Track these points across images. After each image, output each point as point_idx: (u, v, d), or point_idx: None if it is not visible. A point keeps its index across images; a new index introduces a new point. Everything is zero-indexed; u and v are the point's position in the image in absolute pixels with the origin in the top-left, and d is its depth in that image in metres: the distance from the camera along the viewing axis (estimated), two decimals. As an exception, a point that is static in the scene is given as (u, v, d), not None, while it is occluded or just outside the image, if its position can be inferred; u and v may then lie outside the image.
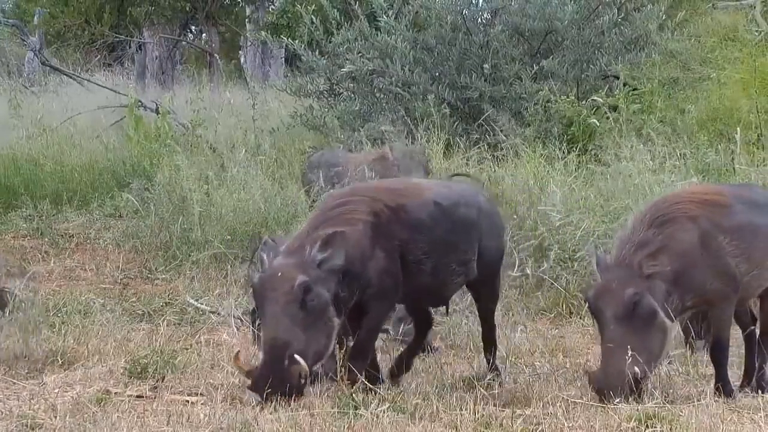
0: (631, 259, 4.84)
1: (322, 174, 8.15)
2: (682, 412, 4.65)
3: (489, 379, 5.15)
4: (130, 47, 23.66)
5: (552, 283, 6.99)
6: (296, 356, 4.64)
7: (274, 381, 4.64)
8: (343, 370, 4.89)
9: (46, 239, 8.92)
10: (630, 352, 4.67)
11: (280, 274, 4.75)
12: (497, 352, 5.54)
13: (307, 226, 4.98)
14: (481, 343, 5.65)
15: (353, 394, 4.74)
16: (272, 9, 22.27)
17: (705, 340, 5.77)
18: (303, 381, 4.69)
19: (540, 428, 4.52)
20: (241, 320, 6.60)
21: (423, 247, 5.04)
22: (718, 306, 5.02)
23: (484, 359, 5.49)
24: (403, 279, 5.03)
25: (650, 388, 5.05)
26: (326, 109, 11.32)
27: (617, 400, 4.67)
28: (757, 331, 5.26)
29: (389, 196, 5.07)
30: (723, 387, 5.03)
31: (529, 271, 7.07)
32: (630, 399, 4.68)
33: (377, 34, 10.91)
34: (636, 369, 4.69)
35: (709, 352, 5.24)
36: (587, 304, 4.99)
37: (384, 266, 4.93)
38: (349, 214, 4.93)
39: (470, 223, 5.25)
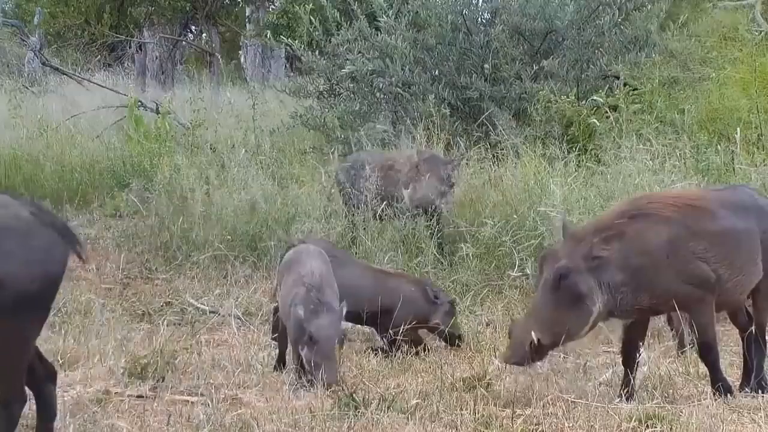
0: (588, 237, 4.87)
1: (358, 175, 8.02)
2: (682, 412, 4.66)
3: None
4: (130, 47, 23.69)
5: (552, 283, 6.97)
6: None
7: None
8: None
9: (46, 239, 8.89)
10: (542, 318, 4.77)
11: None
12: None
13: None
14: (481, 343, 5.61)
15: (353, 394, 4.74)
16: (272, 9, 22.29)
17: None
18: None
19: (540, 428, 4.53)
20: (241, 320, 6.61)
21: None
22: (693, 309, 4.99)
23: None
24: None
25: (650, 388, 5.06)
26: (326, 109, 11.31)
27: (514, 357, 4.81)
28: (754, 329, 5.26)
29: None
30: (721, 386, 5.02)
31: (529, 271, 7.07)
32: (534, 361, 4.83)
33: (377, 34, 10.90)
34: (541, 334, 4.75)
35: (698, 355, 5.21)
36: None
37: None
38: None
39: None
